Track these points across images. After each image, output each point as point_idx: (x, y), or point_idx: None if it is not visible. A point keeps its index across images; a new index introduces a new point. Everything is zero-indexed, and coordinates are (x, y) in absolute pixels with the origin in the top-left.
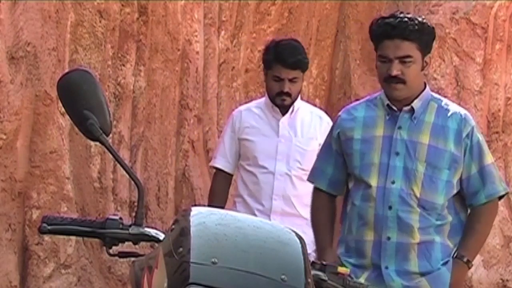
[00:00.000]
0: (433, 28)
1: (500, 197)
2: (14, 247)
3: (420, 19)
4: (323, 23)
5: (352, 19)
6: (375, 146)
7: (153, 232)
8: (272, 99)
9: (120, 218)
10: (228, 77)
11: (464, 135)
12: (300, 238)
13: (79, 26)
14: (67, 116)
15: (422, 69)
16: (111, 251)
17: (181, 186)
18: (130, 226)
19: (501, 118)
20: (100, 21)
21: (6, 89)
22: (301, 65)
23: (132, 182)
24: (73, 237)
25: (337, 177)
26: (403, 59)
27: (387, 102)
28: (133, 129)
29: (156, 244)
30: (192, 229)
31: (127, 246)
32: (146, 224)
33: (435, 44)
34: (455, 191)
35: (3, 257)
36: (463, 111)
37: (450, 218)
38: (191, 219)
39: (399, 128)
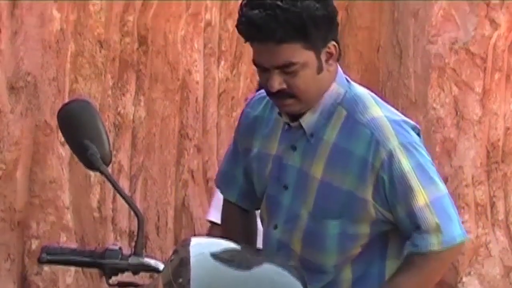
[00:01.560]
0: (329, 7)
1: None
2: (13, 277)
3: (299, 3)
4: None
5: (352, 49)
6: (268, 170)
7: (152, 262)
8: None
9: (120, 248)
10: (227, 106)
11: (376, 165)
12: (301, 272)
13: (79, 56)
14: (66, 146)
15: (321, 69)
16: (110, 281)
17: (180, 216)
18: (129, 256)
19: (501, 147)
20: (100, 51)
21: (6, 119)
22: None
23: (132, 212)
24: (72, 267)
25: (249, 188)
26: (284, 69)
27: (278, 110)
28: (132, 159)
29: (156, 275)
30: (191, 259)
31: (126, 276)
32: (145, 254)
33: (434, 74)
34: (362, 242)
35: (2, 287)
36: (376, 126)
37: (357, 273)
38: (191, 249)
39: (293, 148)
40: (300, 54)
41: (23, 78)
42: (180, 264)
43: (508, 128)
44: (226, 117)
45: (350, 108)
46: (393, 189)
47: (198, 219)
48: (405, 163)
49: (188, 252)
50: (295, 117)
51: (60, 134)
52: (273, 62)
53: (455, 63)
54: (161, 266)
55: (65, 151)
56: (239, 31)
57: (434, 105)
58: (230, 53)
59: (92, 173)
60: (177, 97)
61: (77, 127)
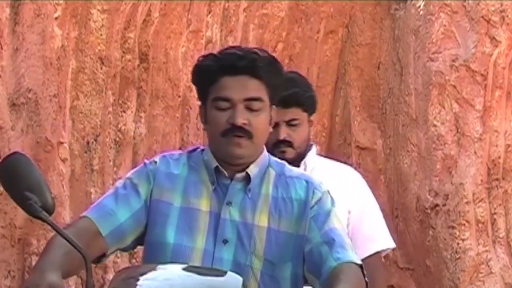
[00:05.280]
0: (281, 69)
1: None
2: None
3: (267, 53)
4: (323, 70)
5: (352, 66)
6: (200, 225)
7: None
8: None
9: None
10: None
11: (313, 202)
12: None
13: (80, 72)
14: (67, 163)
15: (270, 122)
16: None
17: None
18: None
19: (501, 165)
20: (101, 68)
21: (7, 135)
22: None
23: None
24: None
25: (127, 229)
26: (251, 105)
27: (215, 164)
28: None
29: None
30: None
31: None
32: None
33: (435, 91)
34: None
35: None
36: (308, 177)
37: None
38: (121, 277)
39: (229, 204)
40: (264, 95)
41: (24, 95)
42: None
43: (508, 146)
44: None
45: (278, 169)
46: (317, 219)
47: None
48: (329, 205)
49: (118, 281)
50: (237, 171)
51: (61, 151)
52: (244, 94)
53: (456, 80)
54: None
55: (65, 168)
56: (207, 70)
57: (435, 122)
58: None
59: (92, 190)
60: (177, 114)
61: (17, 180)
